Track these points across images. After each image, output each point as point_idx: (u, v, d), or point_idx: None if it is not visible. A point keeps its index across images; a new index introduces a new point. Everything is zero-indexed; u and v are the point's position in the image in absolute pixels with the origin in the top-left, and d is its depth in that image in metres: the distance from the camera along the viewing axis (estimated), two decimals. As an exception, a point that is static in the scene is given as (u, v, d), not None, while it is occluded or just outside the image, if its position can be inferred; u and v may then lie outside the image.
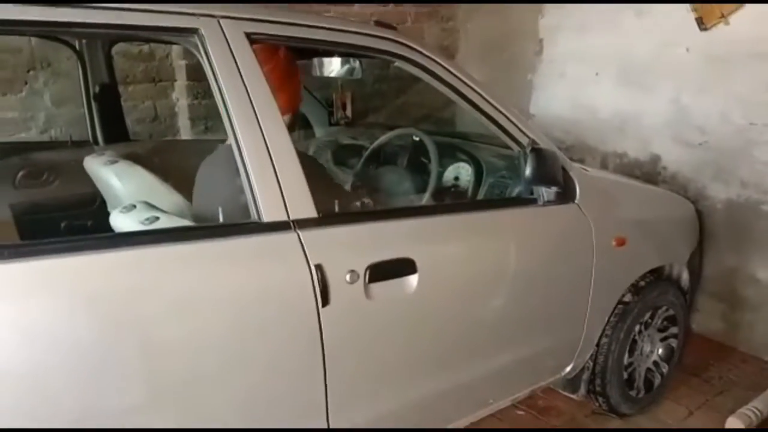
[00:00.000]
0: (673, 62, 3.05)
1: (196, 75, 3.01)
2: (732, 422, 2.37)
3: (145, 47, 2.93)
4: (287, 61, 1.72)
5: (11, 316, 1.11)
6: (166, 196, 1.84)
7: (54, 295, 1.15)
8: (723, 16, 2.82)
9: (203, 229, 1.40)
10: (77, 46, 2.29)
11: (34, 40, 2.64)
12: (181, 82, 3.05)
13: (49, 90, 2.75)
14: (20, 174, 2.23)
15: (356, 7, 3.44)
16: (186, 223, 1.51)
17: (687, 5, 2.92)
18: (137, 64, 2.94)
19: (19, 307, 1.12)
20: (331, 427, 1.53)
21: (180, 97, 3.09)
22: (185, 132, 3.11)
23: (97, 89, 2.35)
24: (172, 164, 2.10)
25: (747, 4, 2.73)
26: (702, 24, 2.90)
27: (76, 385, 1.18)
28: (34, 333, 1.13)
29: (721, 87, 2.90)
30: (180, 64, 3.02)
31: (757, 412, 2.39)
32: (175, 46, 2.96)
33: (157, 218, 1.50)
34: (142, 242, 1.25)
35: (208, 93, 3.06)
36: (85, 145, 2.36)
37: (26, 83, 2.70)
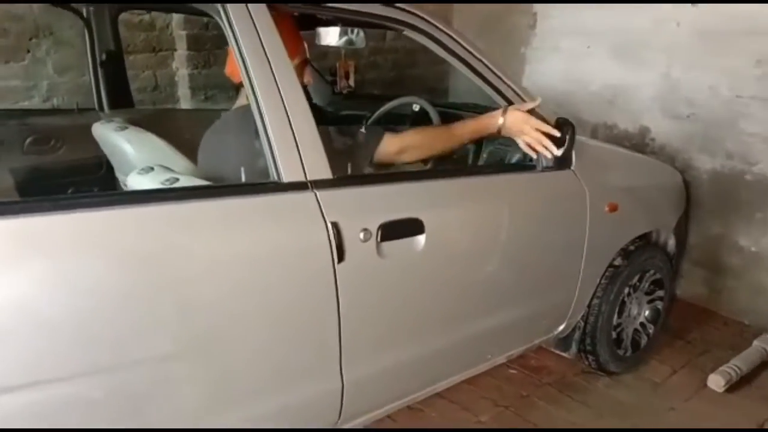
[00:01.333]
0: (664, 37, 3.14)
1: (197, 45, 3.04)
2: (714, 379, 2.51)
3: (146, 16, 2.95)
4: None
5: (50, 266, 1.18)
6: (176, 161, 1.90)
7: (91, 246, 1.22)
8: (713, -10, 2.91)
9: (228, 188, 1.48)
10: (84, 14, 2.32)
11: (36, 7, 2.65)
12: (181, 51, 3.07)
13: (51, 58, 2.76)
14: (28, 140, 2.26)
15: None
16: (204, 182, 1.58)
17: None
18: (138, 33, 2.96)
19: (56, 257, 1.18)
20: (343, 376, 1.62)
21: (180, 66, 3.12)
22: (185, 101, 3.14)
23: (103, 57, 2.38)
24: (178, 131, 2.15)
25: (736, -20, 2.82)
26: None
27: (112, 334, 1.25)
28: (72, 282, 1.19)
29: (710, 61, 2.99)
30: (180, 34, 3.04)
31: (738, 370, 2.54)
32: (175, 16, 2.99)
33: (177, 179, 1.57)
34: (172, 198, 1.33)
35: (208, 63, 3.10)
36: (91, 112, 2.39)
37: (28, 51, 2.71)
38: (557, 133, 1.88)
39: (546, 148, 1.89)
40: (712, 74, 3.00)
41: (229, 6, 1.41)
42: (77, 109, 2.45)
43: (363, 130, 1.84)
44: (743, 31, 2.85)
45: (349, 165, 1.74)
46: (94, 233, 1.22)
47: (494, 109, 1.95)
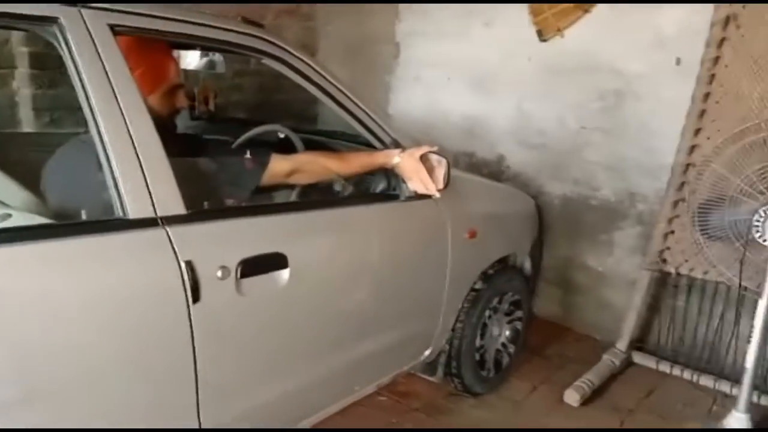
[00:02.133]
0: (516, 70, 3.34)
1: (40, 63, 2.80)
2: (569, 394, 2.66)
3: (-19, 32, 2.68)
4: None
5: None
6: (12, 192, 1.72)
7: None
8: (559, 30, 3.14)
9: (65, 227, 1.35)
10: None
11: None
12: (23, 69, 2.82)
13: None
14: None
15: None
16: (42, 219, 1.43)
17: (528, 18, 3.20)
18: (-29, 49, 2.69)
19: None
20: (202, 425, 1.53)
21: (21, 86, 2.86)
22: (28, 124, 2.88)
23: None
24: (19, 159, 1.95)
25: (579, 21, 3.06)
26: (541, 36, 3.21)
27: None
28: None
29: (557, 94, 3.22)
30: (22, 51, 2.79)
31: (590, 384, 2.71)
32: (15, 32, 2.74)
33: (9, 215, 1.41)
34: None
35: (53, 82, 2.87)
36: None
37: None
38: (438, 187, 1.99)
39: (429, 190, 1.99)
40: (560, 106, 3.22)
41: (67, 30, 1.30)
42: None
43: (248, 154, 1.78)
44: (585, 68, 3.09)
45: (220, 195, 1.67)
46: None
47: (360, 138, 1.98)
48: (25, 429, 1.15)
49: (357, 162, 1.95)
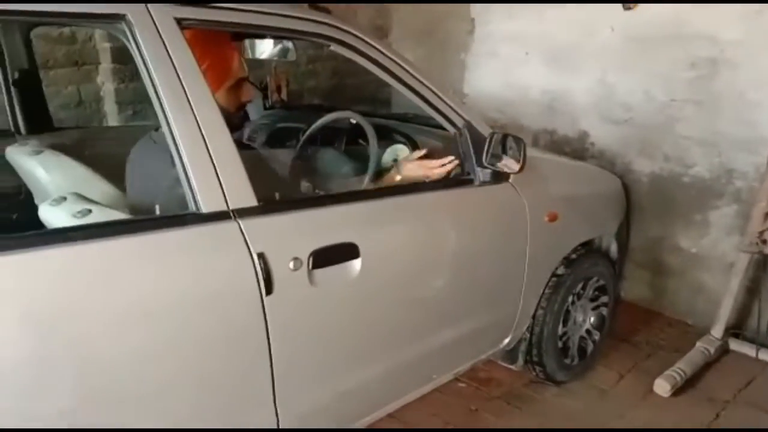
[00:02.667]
0: (598, 42, 3.16)
1: (122, 58, 2.90)
2: (659, 384, 2.52)
3: (66, 30, 2.79)
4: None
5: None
6: (96, 186, 1.78)
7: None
8: (646, -4, 2.93)
9: (140, 222, 1.37)
10: (-8, 31, 2.16)
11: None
12: (105, 65, 2.93)
13: (-38, 76, 2.58)
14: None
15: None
16: (120, 214, 1.47)
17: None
18: (58, 47, 2.80)
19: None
20: (279, 416, 1.54)
21: (105, 80, 2.97)
22: (112, 117, 2.99)
23: (16, 75, 2.22)
24: (101, 152, 2.02)
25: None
26: (626, 4, 3.00)
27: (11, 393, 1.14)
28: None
29: (644, 65, 3.02)
30: (104, 47, 2.89)
31: (682, 373, 2.56)
32: (98, 29, 2.84)
33: (90, 211, 1.45)
34: (76, 238, 1.21)
35: (135, 76, 2.96)
36: (6, 135, 2.24)
37: (-64, 70, 2.52)
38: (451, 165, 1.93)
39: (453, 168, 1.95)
40: (647, 78, 3.03)
41: (135, 26, 1.31)
42: (-9, 132, 2.29)
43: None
44: (674, 36, 2.88)
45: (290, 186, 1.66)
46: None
47: (433, 120, 1.94)
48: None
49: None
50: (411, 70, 1.81)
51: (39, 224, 1.55)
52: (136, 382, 1.28)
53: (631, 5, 2.98)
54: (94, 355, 1.21)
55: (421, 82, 1.84)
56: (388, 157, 2.23)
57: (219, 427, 1.46)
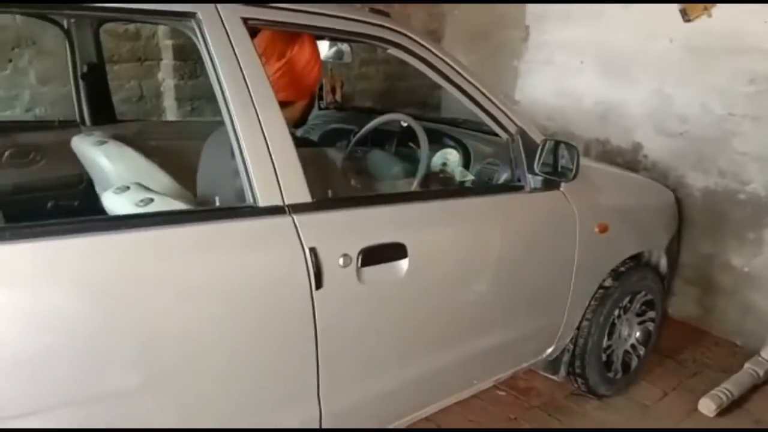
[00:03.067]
0: (656, 53, 3.10)
1: (183, 55, 2.99)
2: (704, 403, 2.46)
3: (131, 26, 2.90)
4: (311, 46, 1.74)
5: (10, 299, 1.13)
6: (156, 177, 1.84)
7: (53, 278, 1.16)
8: (706, 8, 2.87)
9: (199, 213, 1.42)
10: (65, 25, 2.26)
11: (19, 17, 2.59)
12: (167, 61, 3.02)
13: (34, 68, 2.70)
14: (6, 153, 2.20)
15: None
16: (180, 204, 1.52)
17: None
18: (123, 43, 2.91)
19: (17, 290, 1.13)
20: (322, 410, 1.57)
21: (166, 77, 3.07)
22: (171, 112, 3.09)
23: (84, 69, 2.32)
24: (161, 145, 2.10)
25: (729, -2, 2.79)
26: (686, 15, 2.95)
27: (77, 370, 1.20)
28: (33, 317, 1.14)
29: (701, 78, 2.96)
30: (166, 44, 2.99)
31: (729, 394, 2.49)
32: (161, 26, 2.94)
33: (152, 200, 1.51)
34: (140, 225, 1.27)
35: (194, 73, 3.05)
36: (72, 125, 2.34)
37: (10, 61, 2.65)
38: None
39: None
40: (704, 91, 2.96)
41: (204, 23, 1.36)
42: (58, 122, 2.39)
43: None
44: (734, 49, 2.82)
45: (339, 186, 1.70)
46: (56, 263, 1.17)
47: (484, 126, 1.94)
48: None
49: None
50: (467, 75, 1.83)
51: (99, 210, 1.62)
52: (189, 351, 1.33)
53: (691, 17, 2.92)
54: (154, 336, 1.27)
55: (476, 87, 1.85)
56: (437, 160, 2.25)
57: (266, 413, 1.49)
